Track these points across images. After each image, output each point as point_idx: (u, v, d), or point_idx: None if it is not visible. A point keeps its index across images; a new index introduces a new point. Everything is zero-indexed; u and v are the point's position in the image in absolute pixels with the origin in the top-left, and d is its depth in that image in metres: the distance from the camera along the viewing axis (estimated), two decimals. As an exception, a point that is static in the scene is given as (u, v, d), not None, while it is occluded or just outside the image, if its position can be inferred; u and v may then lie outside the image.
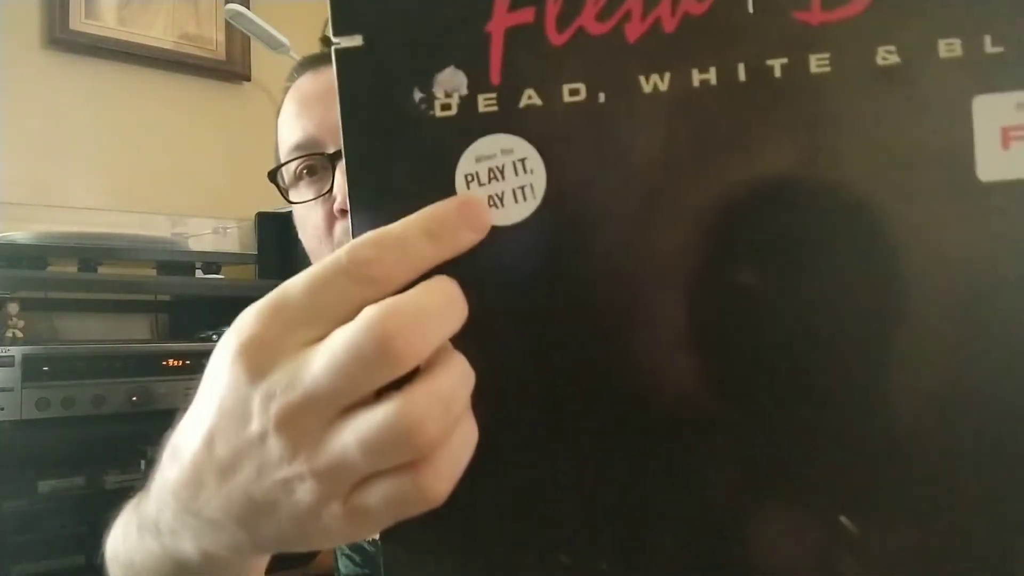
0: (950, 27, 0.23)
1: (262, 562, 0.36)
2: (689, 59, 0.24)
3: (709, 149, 0.24)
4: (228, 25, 1.75)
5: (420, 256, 0.23)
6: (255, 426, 0.23)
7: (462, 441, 0.23)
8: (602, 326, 0.25)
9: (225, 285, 1.59)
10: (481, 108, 0.25)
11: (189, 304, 1.69)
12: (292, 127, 0.67)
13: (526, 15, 0.24)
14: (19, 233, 1.37)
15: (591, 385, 0.25)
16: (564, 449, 0.25)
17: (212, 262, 1.60)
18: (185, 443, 0.26)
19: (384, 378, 0.22)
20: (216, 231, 1.72)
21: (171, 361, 1.34)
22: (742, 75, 0.24)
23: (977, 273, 0.23)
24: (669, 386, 0.25)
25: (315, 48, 2.16)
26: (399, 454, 0.22)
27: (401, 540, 0.26)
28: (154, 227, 1.65)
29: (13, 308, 1.31)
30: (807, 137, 0.24)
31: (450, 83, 0.25)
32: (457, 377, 0.23)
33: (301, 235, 0.70)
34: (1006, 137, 0.22)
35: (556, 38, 0.24)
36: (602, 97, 0.24)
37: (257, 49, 1.85)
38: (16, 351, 1.18)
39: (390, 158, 0.25)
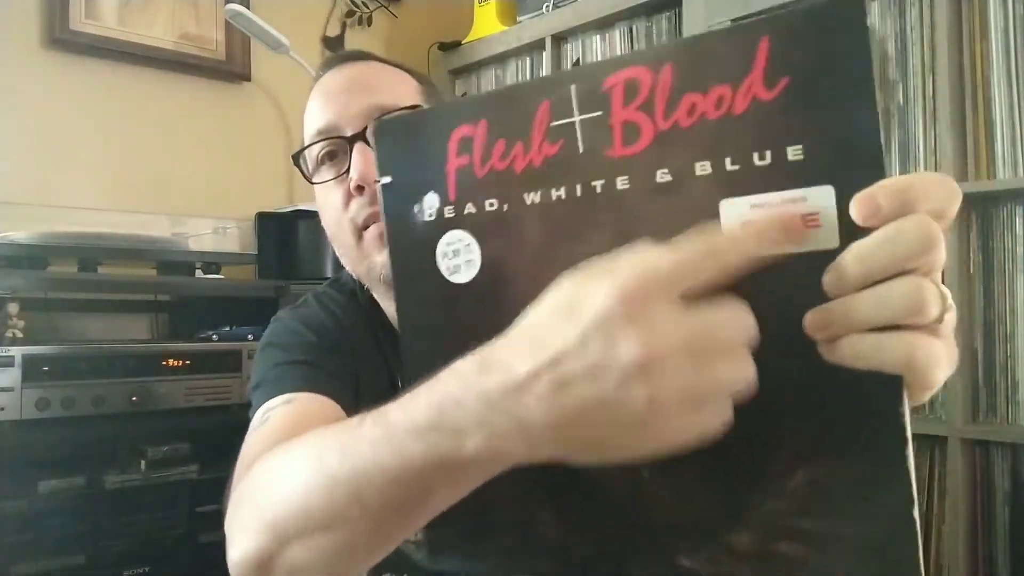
0: (702, 154, 0.34)
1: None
2: (550, 182, 0.38)
3: (563, 237, 0.39)
4: (228, 25, 1.75)
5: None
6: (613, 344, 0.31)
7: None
8: None
9: (225, 285, 1.59)
10: (446, 215, 0.42)
11: (189, 304, 1.69)
12: (316, 115, 0.73)
13: (464, 160, 0.41)
14: (19, 233, 1.37)
15: None
16: None
17: (212, 262, 1.60)
18: (514, 358, 0.33)
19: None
20: (216, 231, 1.72)
21: (171, 361, 1.34)
22: (579, 192, 0.38)
23: None
24: None
25: (315, 48, 2.16)
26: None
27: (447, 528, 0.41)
28: (154, 227, 1.65)
29: (13, 308, 1.31)
30: (618, 230, 0.36)
31: (430, 201, 0.42)
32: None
33: (322, 216, 0.74)
34: (745, 228, 0.33)
35: (480, 172, 0.40)
36: (505, 207, 0.40)
37: (257, 49, 1.85)
38: (16, 351, 1.18)
39: (406, 244, 0.43)
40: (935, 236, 0.31)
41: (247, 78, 1.90)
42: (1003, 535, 1.19)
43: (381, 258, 0.68)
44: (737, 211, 0.34)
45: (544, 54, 1.83)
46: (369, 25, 2.16)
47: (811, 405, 0.34)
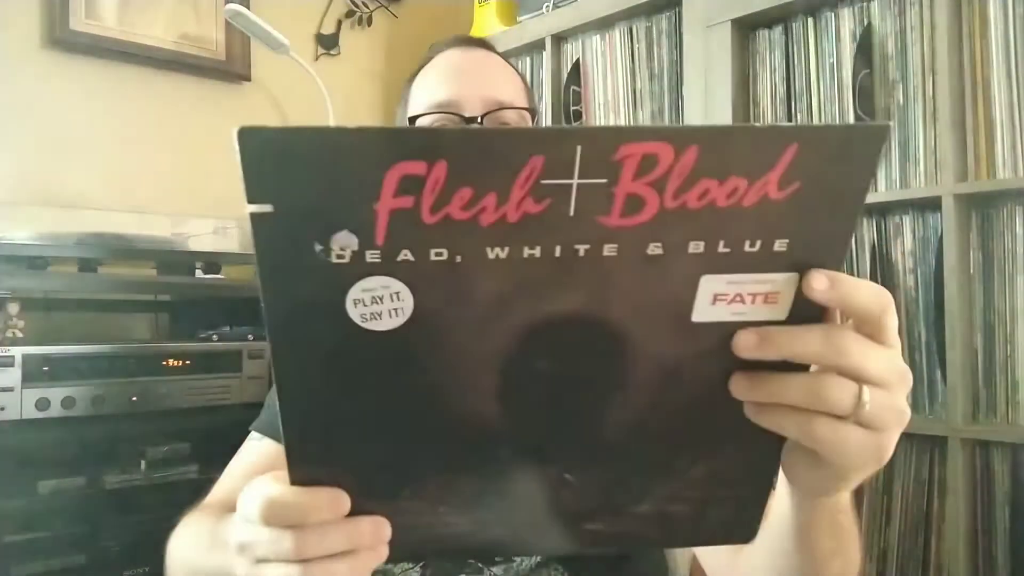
0: (698, 235, 0.36)
1: None
2: (524, 240, 0.35)
3: (526, 294, 0.37)
4: (228, 25, 1.75)
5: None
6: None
7: None
8: (442, 387, 0.40)
9: (225, 285, 1.59)
10: (368, 259, 0.35)
11: (189, 304, 1.69)
12: (437, 87, 0.75)
13: (406, 201, 0.34)
14: (19, 233, 1.37)
15: (431, 415, 0.41)
16: (419, 451, 0.43)
17: (212, 262, 1.60)
18: (232, 524, 0.45)
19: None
20: (216, 231, 1.72)
21: (171, 361, 1.34)
22: (557, 252, 0.35)
23: (671, 366, 0.40)
24: (484, 418, 0.41)
25: (311, 47, 2.16)
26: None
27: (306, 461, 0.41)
28: (154, 227, 1.65)
29: (13, 308, 1.31)
30: (591, 292, 0.37)
31: (344, 241, 0.34)
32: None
33: None
34: (715, 299, 0.38)
35: (429, 219, 0.34)
36: (458, 259, 0.35)
37: (257, 49, 1.85)
38: (16, 351, 1.18)
39: (297, 286, 0.36)
40: (839, 346, 0.37)
41: (247, 78, 1.90)
42: (1003, 535, 1.19)
43: None
44: (714, 285, 0.37)
45: (544, 54, 1.83)
46: (369, 25, 2.16)
47: (721, 426, 0.42)
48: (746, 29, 1.50)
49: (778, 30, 1.46)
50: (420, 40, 2.13)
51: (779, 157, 0.34)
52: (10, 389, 1.16)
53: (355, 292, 0.36)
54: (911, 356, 1.29)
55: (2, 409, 1.15)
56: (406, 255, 0.35)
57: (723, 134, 0.35)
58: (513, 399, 0.41)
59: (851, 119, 1.34)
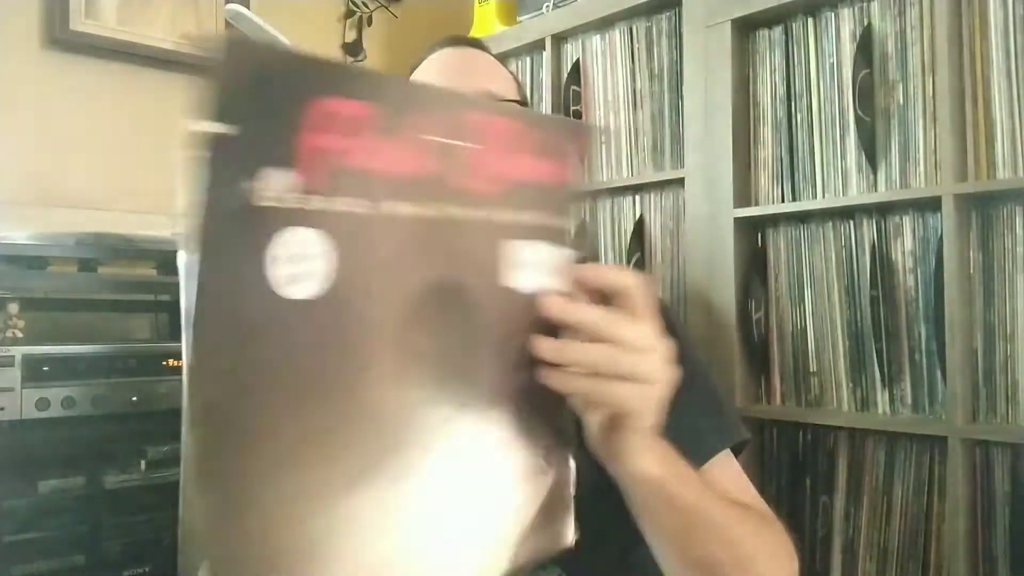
0: (531, 206, 0.44)
1: None
2: (412, 196, 0.36)
3: (403, 257, 0.36)
4: (228, 25, 1.75)
5: None
6: None
7: None
8: (346, 373, 0.35)
9: (225, 285, 1.59)
10: (291, 204, 0.31)
11: (189, 304, 1.69)
12: (431, 82, 0.80)
13: (327, 138, 0.32)
14: (19, 233, 1.37)
15: (336, 411, 0.36)
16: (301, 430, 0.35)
17: (212, 262, 1.60)
18: None
19: None
20: (216, 231, 1.72)
21: (171, 361, 1.34)
22: (433, 213, 0.37)
23: (496, 336, 0.43)
24: (382, 412, 0.37)
25: (315, 49, 2.15)
26: None
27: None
28: (154, 227, 1.65)
29: (13, 308, 1.31)
30: (444, 258, 0.38)
31: (272, 178, 0.31)
32: None
33: None
34: (522, 267, 0.42)
35: (350, 161, 0.32)
36: (368, 211, 0.34)
37: (257, 49, 1.85)
38: (16, 351, 1.18)
39: (223, 227, 0.32)
40: (614, 321, 0.46)
41: (247, 78, 1.90)
42: (1003, 535, 1.19)
43: None
44: (529, 253, 0.43)
45: (544, 54, 1.83)
46: (369, 25, 2.15)
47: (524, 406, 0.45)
48: (746, 29, 1.50)
49: (778, 30, 1.46)
50: (420, 40, 2.12)
51: (578, 145, 0.43)
52: (10, 389, 1.16)
53: (277, 246, 0.32)
54: (911, 356, 1.29)
55: (2, 409, 1.15)
56: (321, 202, 0.33)
57: (548, 121, 0.45)
58: (405, 381, 0.37)
59: (851, 119, 1.34)
